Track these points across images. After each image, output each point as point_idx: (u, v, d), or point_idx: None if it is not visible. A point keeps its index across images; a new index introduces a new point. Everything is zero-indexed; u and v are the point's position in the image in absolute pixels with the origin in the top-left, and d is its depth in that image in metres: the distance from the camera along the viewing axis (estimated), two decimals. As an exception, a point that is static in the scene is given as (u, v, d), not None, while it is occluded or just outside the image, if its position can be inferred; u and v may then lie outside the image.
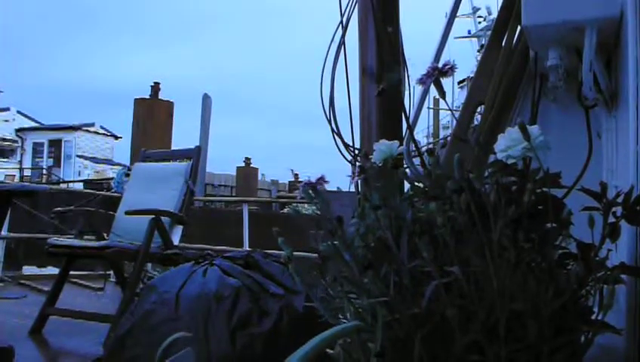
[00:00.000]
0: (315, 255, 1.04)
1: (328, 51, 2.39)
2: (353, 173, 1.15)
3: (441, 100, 1.15)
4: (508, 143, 0.91)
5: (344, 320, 0.97)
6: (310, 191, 0.99)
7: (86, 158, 24.46)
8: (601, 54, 1.57)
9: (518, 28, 2.02)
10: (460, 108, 2.12)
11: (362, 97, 2.26)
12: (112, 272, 4.18)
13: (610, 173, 1.62)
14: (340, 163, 2.40)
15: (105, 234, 3.58)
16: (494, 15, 3.43)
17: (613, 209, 0.94)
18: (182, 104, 20.53)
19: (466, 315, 0.83)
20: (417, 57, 2.45)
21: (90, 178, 19.73)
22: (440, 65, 1.03)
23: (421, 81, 1.07)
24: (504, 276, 0.82)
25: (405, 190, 1.08)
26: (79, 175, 22.46)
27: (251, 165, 21.72)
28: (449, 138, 2.21)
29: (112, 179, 13.80)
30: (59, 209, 4.15)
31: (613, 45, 1.58)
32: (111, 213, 3.82)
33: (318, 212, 1.03)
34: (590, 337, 0.94)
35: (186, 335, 1.00)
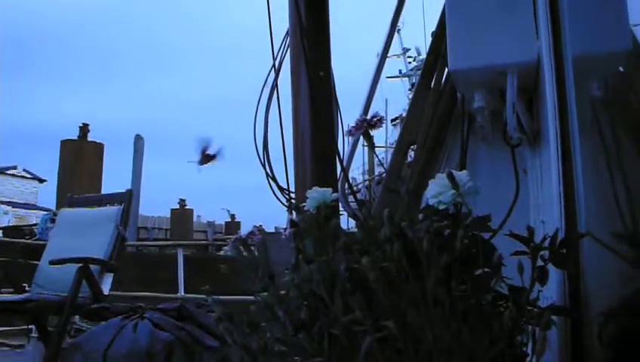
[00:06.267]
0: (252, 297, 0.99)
1: (261, 94, 2.39)
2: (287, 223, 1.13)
3: (376, 137, 1.16)
4: (439, 189, 0.92)
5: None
6: (240, 248, 0.96)
7: (6, 203, 22.95)
8: (522, 96, 1.64)
9: (446, 70, 2.09)
10: (393, 150, 2.15)
11: (296, 140, 2.26)
12: (33, 327, 3.90)
13: (536, 208, 1.67)
14: (277, 201, 2.37)
15: (26, 286, 3.35)
16: (424, 55, 3.56)
17: (541, 253, 0.95)
18: (113, 146, 19.93)
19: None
20: (352, 96, 2.49)
21: (10, 224, 18.46)
22: (369, 116, 1.04)
23: (350, 133, 1.07)
24: (439, 327, 0.81)
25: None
26: (-2, 221, 21.01)
27: (186, 206, 21.21)
28: (384, 175, 2.24)
29: (35, 225, 13.02)
30: (-28, 261, 3.86)
31: (533, 87, 1.66)
32: (33, 262, 3.58)
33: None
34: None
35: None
